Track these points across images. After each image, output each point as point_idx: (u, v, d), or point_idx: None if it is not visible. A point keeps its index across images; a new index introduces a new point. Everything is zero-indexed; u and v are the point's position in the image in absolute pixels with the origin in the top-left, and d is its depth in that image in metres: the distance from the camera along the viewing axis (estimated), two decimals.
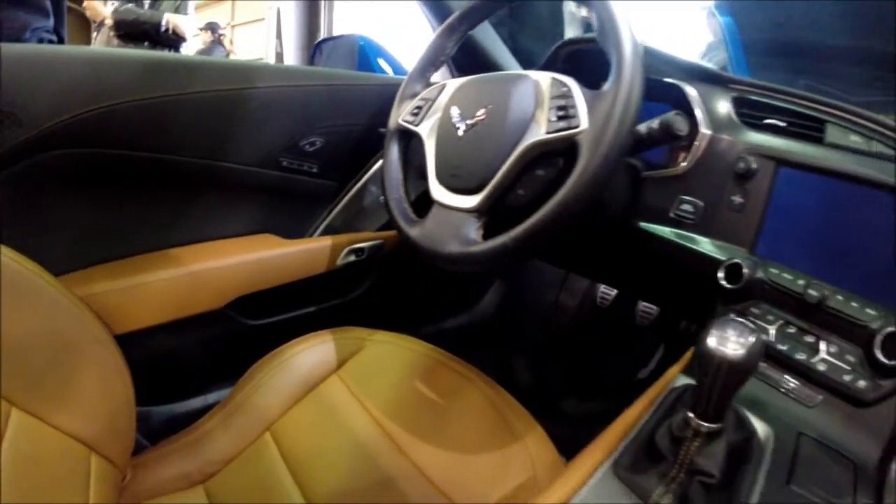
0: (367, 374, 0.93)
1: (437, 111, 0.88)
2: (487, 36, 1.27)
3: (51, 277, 0.66)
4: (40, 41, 1.46)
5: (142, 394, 0.78)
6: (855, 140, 0.77)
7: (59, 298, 0.67)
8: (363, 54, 1.80)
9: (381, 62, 1.87)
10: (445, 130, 0.84)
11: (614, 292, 1.47)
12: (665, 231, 0.88)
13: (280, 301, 1.14)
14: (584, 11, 2.19)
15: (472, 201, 0.76)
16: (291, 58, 5.11)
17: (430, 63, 0.99)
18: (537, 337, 1.56)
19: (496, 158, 0.74)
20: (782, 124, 0.83)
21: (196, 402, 1.11)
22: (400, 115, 0.94)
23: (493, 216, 0.75)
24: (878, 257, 0.71)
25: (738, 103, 0.88)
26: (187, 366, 1.08)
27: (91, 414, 0.67)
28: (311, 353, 0.95)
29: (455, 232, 0.76)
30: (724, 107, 0.88)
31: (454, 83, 0.90)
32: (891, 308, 0.67)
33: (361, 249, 1.19)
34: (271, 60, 5.77)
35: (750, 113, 0.87)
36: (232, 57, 6.56)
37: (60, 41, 1.56)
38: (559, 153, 0.71)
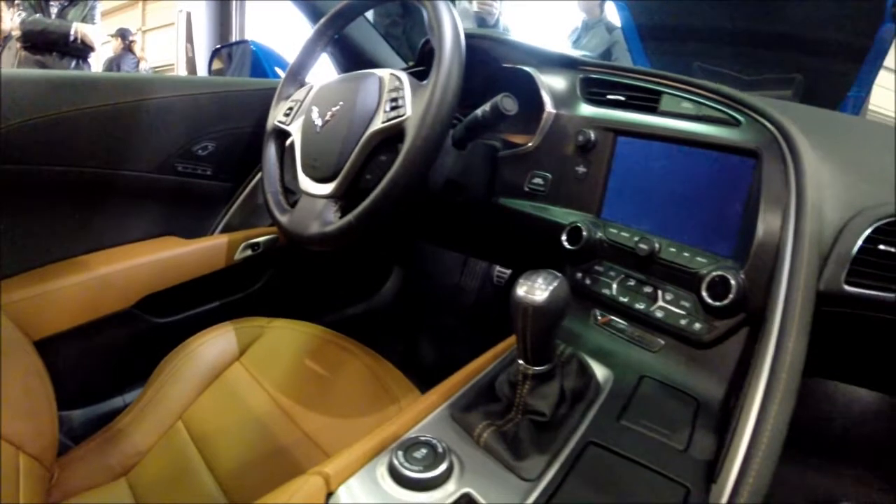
0: (265, 358, 1.00)
1: (304, 111, 0.96)
2: (365, 35, 1.35)
3: None
4: None
5: (63, 398, 0.82)
6: (686, 107, 0.83)
7: None
8: (256, 60, 1.84)
9: (277, 69, 1.91)
10: (308, 127, 0.93)
11: (508, 272, 1.57)
12: (522, 204, 0.96)
13: (186, 298, 1.20)
14: (475, 6, 2.29)
15: (329, 188, 0.86)
16: (203, 62, 5.05)
17: (301, 66, 1.07)
18: (444, 318, 1.65)
19: (346, 149, 0.84)
20: (622, 98, 0.91)
21: (116, 402, 1.15)
22: (276, 116, 1.02)
23: (350, 200, 0.84)
24: (710, 210, 0.77)
25: (587, 83, 0.96)
26: (104, 367, 1.12)
27: (16, 415, 0.70)
28: (215, 343, 1.01)
29: (317, 216, 0.85)
30: (570, 87, 0.97)
31: (318, 84, 0.99)
32: (721, 255, 0.74)
33: (257, 244, 1.26)
34: (182, 65, 5.66)
35: (597, 91, 0.95)
36: (143, 64, 6.39)
37: None
38: (394, 139, 0.80)
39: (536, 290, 0.53)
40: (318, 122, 0.91)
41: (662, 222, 0.81)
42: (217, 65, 2.11)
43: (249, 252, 1.25)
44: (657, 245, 0.77)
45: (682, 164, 0.81)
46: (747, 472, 0.46)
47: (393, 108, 0.81)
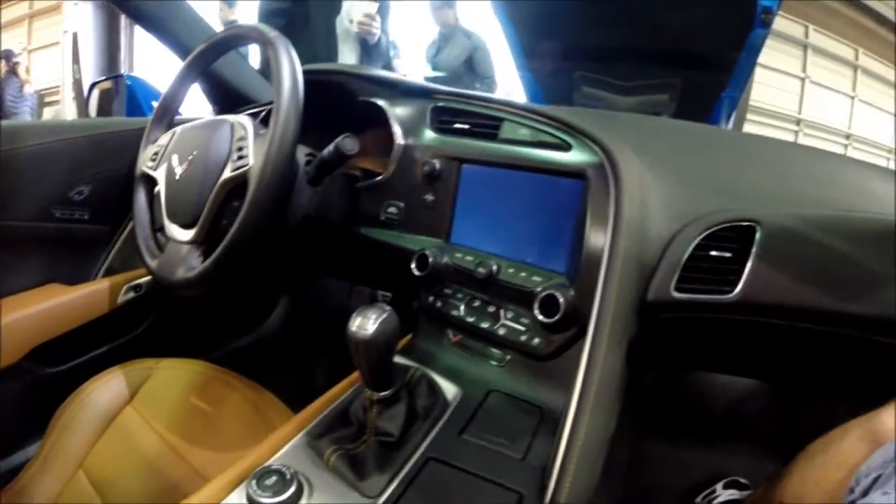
0: (155, 400, 1.02)
1: (167, 157, 0.99)
2: (236, 70, 1.38)
3: None
4: None
5: None
6: (523, 133, 0.90)
7: None
8: (132, 95, 1.82)
9: (154, 103, 1.90)
10: (170, 174, 0.96)
11: (390, 294, 1.63)
12: (380, 233, 1.02)
13: (75, 345, 1.20)
14: (355, 27, 2.32)
15: (191, 234, 0.90)
16: (89, 83, 4.87)
17: (166, 110, 1.09)
18: (334, 342, 1.65)
19: (202, 196, 0.88)
20: (466, 126, 0.97)
21: (19, 457, 1.15)
22: (144, 161, 1.04)
23: (211, 244, 0.87)
24: (546, 230, 0.84)
25: (436, 112, 1.02)
26: (1, 423, 1.12)
27: None
28: (107, 388, 1.02)
29: (182, 261, 0.89)
30: (420, 116, 1.03)
31: (179, 130, 1.02)
32: (556, 273, 0.80)
33: (139, 286, 1.27)
34: (68, 87, 5.45)
35: (446, 119, 1.01)
36: (28, 87, 6.07)
37: None
38: (242, 187, 0.84)
39: (367, 324, 0.59)
40: (178, 169, 0.94)
41: (505, 244, 0.88)
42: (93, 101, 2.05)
43: (132, 294, 1.27)
44: (495, 267, 0.83)
45: (521, 189, 0.88)
46: (564, 476, 0.52)
47: (240, 158, 0.86)
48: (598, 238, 0.73)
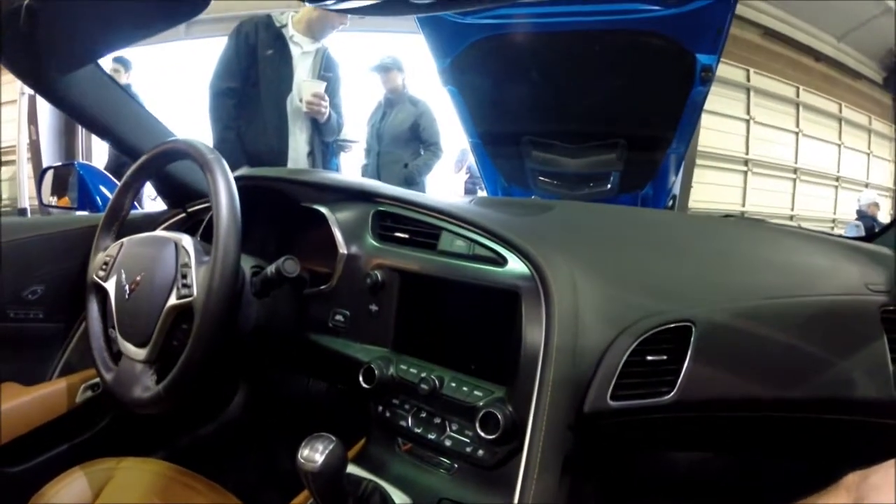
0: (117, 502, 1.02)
1: (116, 270, 1.01)
2: (183, 166, 1.38)
3: None
4: None
5: None
6: (460, 245, 0.90)
7: None
8: (82, 183, 1.82)
9: (103, 188, 1.91)
10: (119, 291, 0.99)
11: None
12: (328, 340, 1.04)
13: (34, 444, 1.20)
14: (304, 107, 2.35)
15: (143, 353, 0.92)
16: (46, 144, 4.83)
17: (113, 218, 1.12)
18: (296, 429, 1.63)
19: (151, 319, 0.90)
20: (406, 236, 0.99)
21: None
22: (95, 269, 1.06)
23: (164, 363, 0.90)
24: (487, 343, 0.86)
25: (378, 217, 1.04)
26: None
27: None
28: (68, 491, 1.01)
29: (136, 379, 0.92)
30: (362, 222, 1.05)
31: (126, 242, 1.04)
32: (498, 385, 0.81)
33: (97, 384, 1.27)
34: (23, 148, 5.39)
35: (388, 225, 1.02)
36: None
37: None
38: (188, 313, 0.87)
39: (314, 456, 0.63)
40: (127, 287, 0.97)
41: (448, 354, 0.89)
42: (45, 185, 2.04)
43: (90, 393, 1.26)
44: (438, 381, 0.84)
45: (460, 301, 0.90)
46: None
47: (184, 286, 0.89)
48: (531, 356, 0.74)
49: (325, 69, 2.49)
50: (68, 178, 1.94)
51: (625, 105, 2.19)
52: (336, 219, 1.06)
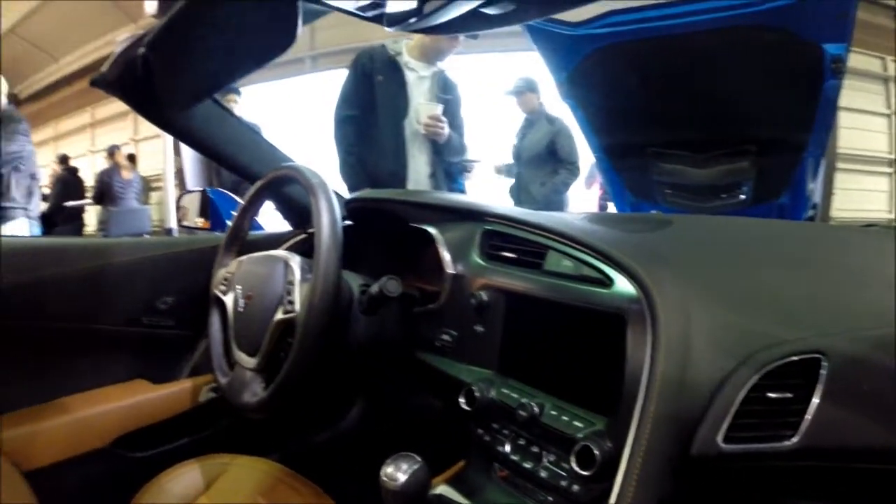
0: (225, 496, 1.09)
1: (234, 286, 1.11)
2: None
3: None
4: None
5: None
6: (567, 265, 0.87)
7: None
8: (213, 208, 1.97)
9: (234, 213, 2.06)
10: (235, 304, 1.08)
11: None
12: (433, 359, 1.05)
13: (158, 436, 1.32)
14: (422, 129, 2.41)
15: (254, 362, 1.00)
16: (189, 173, 5.29)
17: (234, 238, 1.23)
18: (407, 446, 1.65)
19: (261, 331, 0.98)
20: (513, 255, 0.97)
21: None
22: (216, 284, 1.18)
23: (271, 373, 0.97)
24: (590, 369, 0.81)
25: (487, 236, 1.04)
26: (89, 499, 1.23)
27: None
28: (182, 480, 1.11)
29: (246, 386, 1.00)
30: (470, 242, 1.05)
31: (244, 260, 1.14)
32: (600, 416, 0.77)
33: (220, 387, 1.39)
34: (170, 176, 5.92)
35: (496, 244, 1.02)
36: (129, 173, 6.60)
37: None
38: (293, 327, 0.94)
39: (397, 475, 0.67)
40: (242, 302, 1.06)
41: (551, 379, 0.87)
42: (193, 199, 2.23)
43: (212, 394, 1.38)
44: (538, 408, 0.82)
45: (565, 324, 0.86)
46: None
47: (289, 302, 0.96)
48: (633, 387, 0.68)
49: (442, 91, 2.53)
50: (203, 203, 2.11)
51: (752, 107, 2.05)
52: (443, 238, 1.08)
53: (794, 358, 0.62)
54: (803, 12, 1.66)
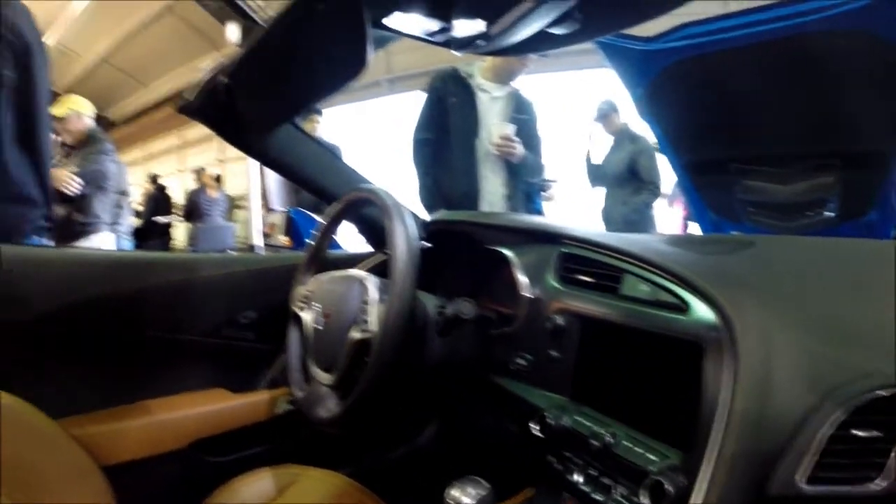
0: None
1: (313, 304, 1.15)
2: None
3: (49, 419, 0.93)
4: (37, 231, 1.72)
5: None
6: (643, 290, 0.84)
7: (56, 435, 0.94)
8: (295, 228, 2.02)
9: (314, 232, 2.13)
10: (314, 322, 1.11)
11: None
12: (508, 383, 1.05)
13: (234, 442, 1.38)
14: (494, 150, 2.40)
15: (329, 378, 1.03)
16: (273, 193, 5.50)
17: (314, 257, 1.27)
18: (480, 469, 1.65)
19: (338, 349, 1.00)
20: (589, 279, 0.96)
21: None
22: (295, 300, 1.21)
23: (346, 390, 0.99)
24: (666, 399, 0.78)
25: (562, 259, 1.03)
26: (164, 497, 1.30)
27: None
28: (253, 486, 1.15)
29: (322, 400, 1.03)
30: (545, 265, 1.04)
31: (324, 279, 1.17)
32: (674, 449, 0.73)
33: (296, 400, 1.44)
34: (256, 197, 6.17)
35: (572, 267, 1.00)
36: (214, 192, 6.96)
37: (51, 223, 1.80)
38: (369, 346, 0.95)
39: (463, 498, 0.67)
40: (320, 320, 1.09)
41: (626, 408, 0.84)
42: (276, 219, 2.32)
43: (289, 407, 1.43)
44: (611, 438, 0.79)
45: (641, 351, 0.83)
46: None
47: (364, 322, 0.98)
48: (710, 420, 0.64)
49: (516, 111, 2.52)
50: (286, 222, 2.20)
51: (835, 118, 1.92)
52: (519, 261, 1.08)
53: (883, 393, 0.57)
54: (884, 13, 1.55)
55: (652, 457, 0.74)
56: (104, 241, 3.37)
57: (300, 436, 1.46)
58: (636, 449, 0.77)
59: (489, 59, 2.47)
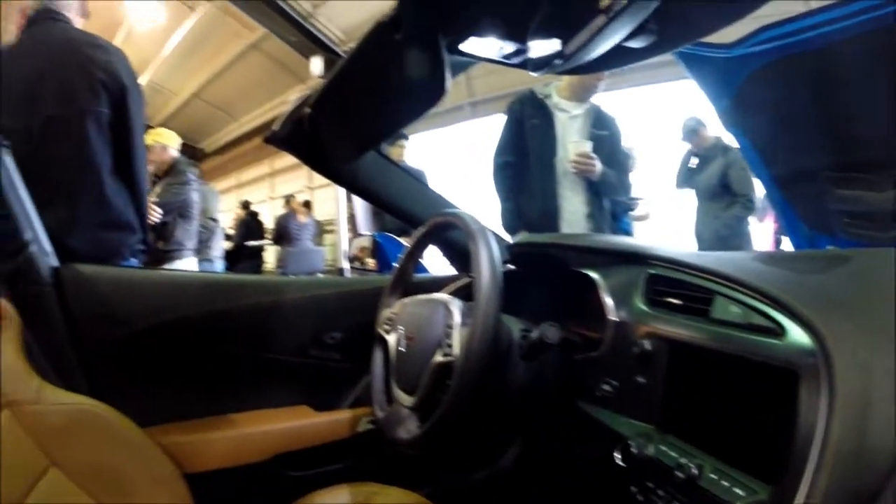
0: None
1: (397, 326, 1.17)
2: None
3: (136, 427, 1.01)
4: (134, 254, 1.83)
5: None
6: (735, 312, 0.79)
7: (142, 442, 1.01)
8: (381, 251, 2.09)
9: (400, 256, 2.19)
10: (398, 345, 1.14)
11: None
12: (593, 409, 1.01)
13: (315, 458, 1.42)
14: (571, 168, 2.38)
15: (411, 400, 1.05)
16: (361, 218, 5.64)
17: (399, 281, 1.30)
18: (561, 485, 1.62)
19: (421, 372, 1.02)
20: (678, 301, 0.91)
21: None
22: (381, 323, 1.24)
23: (427, 412, 1.00)
24: (757, 429, 0.73)
25: (653, 280, 0.99)
26: None
27: None
28: (330, 501, 1.17)
29: (403, 422, 1.05)
30: (633, 287, 1.01)
31: (408, 302, 1.20)
32: (763, 483, 0.68)
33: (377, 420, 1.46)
34: (343, 222, 6.36)
35: (660, 289, 0.96)
36: (303, 218, 7.24)
37: (147, 247, 1.92)
38: (451, 370, 0.96)
39: None
40: (403, 342, 1.12)
41: (713, 438, 0.79)
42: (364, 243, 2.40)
43: (371, 426, 1.46)
44: (696, 470, 0.74)
45: (732, 377, 0.79)
46: None
47: (448, 345, 0.99)
48: (803, 453, 0.60)
49: (596, 128, 2.49)
50: (373, 246, 2.27)
51: None
52: (605, 283, 1.07)
53: None
54: None
55: (739, 491, 0.69)
56: (188, 266, 3.54)
57: (381, 454, 1.48)
58: (722, 482, 0.72)
59: (565, 78, 2.48)
